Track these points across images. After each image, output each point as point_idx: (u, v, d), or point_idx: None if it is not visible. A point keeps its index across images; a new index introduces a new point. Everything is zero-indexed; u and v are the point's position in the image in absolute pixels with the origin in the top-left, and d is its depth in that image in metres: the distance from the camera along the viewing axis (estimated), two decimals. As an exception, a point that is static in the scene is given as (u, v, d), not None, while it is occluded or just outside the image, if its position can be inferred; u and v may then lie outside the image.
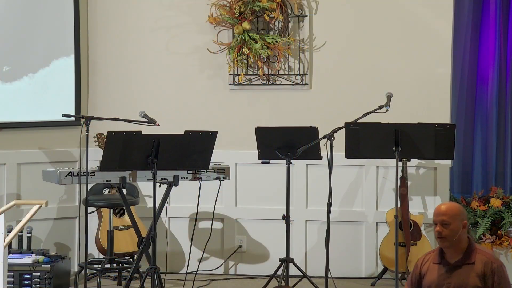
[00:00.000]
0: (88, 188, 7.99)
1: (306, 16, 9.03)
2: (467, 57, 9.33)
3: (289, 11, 9.01)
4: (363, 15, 8.96)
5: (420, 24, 8.91)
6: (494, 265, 5.58)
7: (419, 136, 7.88)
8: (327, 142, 7.53)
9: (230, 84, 9.12)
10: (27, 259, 8.40)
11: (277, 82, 9.09)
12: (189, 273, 8.56)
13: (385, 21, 8.96)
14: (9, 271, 7.77)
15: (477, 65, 9.38)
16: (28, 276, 8.34)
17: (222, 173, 8.09)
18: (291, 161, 8.17)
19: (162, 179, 7.76)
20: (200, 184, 7.94)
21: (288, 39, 9.02)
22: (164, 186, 7.87)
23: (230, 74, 9.11)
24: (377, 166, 8.96)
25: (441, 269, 5.64)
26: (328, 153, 7.50)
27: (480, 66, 9.38)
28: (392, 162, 8.07)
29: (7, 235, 7.25)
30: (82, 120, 7.76)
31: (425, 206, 8.94)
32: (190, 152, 7.65)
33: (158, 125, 7.81)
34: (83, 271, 7.74)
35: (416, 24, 8.92)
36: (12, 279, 8.26)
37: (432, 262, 5.71)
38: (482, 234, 8.85)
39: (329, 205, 7.51)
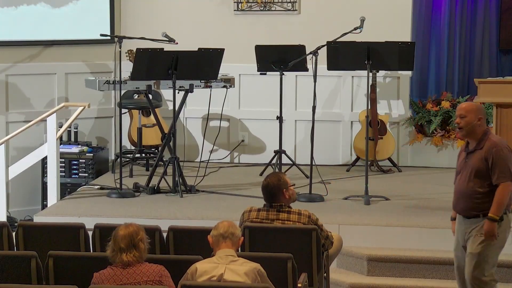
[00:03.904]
0: (121, 94, 8.12)
1: (296, -46, 8.95)
2: (425, -12, 9.24)
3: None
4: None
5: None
6: (494, 149, 5.50)
7: (386, 51, 7.88)
8: (312, 57, 7.49)
9: (235, 10, 9.04)
10: (75, 149, 8.51)
11: (272, 9, 9.00)
12: (202, 161, 8.53)
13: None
14: (60, 158, 7.89)
15: (433, -5, 9.31)
16: (75, 162, 8.43)
17: (228, 82, 8.14)
18: (283, 72, 8.19)
19: (180, 87, 7.83)
20: (211, 91, 8.05)
21: (281, -28, 8.95)
22: (182, 93, 7.96)
23: (234, 2, 9.03)
24: (352, 76, 8.95)
25: (464, 155, 5.64)
26: (313, 66, 7.50)
27: (435, -4, 9.31)
28: (364, 73, 7.96)
29: (59, 129, 7.55)
30: (115, 39, 7.78)
31: (390, 108, 8.96)
32: (202, 65, 7.70)
33: (177, 43, 7.87)
34: (118, 159, 7.89)
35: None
36: (63, 165, 8.34)
37: (462, 150, 5.69)
38: (434, 129, 8.87)
39: (314, 108, 7.52)
